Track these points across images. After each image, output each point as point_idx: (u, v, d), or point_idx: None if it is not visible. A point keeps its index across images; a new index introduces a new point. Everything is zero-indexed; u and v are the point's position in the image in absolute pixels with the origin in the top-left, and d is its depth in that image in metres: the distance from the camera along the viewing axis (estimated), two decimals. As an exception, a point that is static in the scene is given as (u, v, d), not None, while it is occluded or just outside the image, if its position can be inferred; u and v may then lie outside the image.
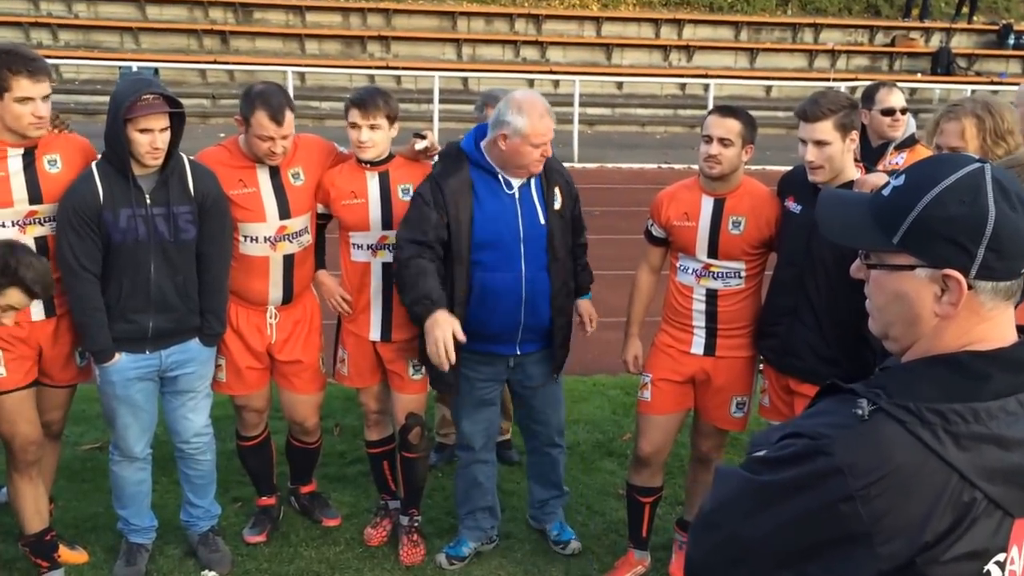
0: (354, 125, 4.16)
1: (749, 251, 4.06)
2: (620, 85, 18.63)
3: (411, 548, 4.54)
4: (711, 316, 4.14)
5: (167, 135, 3.84)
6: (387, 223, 4.24)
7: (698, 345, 4.18)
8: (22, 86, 3.74)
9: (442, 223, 3.99)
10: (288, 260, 4.27)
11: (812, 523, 1.44)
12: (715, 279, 4.10)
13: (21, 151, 3.89)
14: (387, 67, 17.13)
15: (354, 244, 4.30)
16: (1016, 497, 1.45)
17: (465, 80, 17.25)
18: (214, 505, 4.49)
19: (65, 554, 4.31)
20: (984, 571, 1.44)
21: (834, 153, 3.71)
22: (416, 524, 4.62)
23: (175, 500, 4.53)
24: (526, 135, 3.92)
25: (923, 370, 1.51)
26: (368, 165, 4.23)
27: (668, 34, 19.92)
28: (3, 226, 3.85)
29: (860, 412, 1.44)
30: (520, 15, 19.30)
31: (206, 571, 4.33)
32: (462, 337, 3.83)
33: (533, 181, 4.11)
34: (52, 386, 4.14)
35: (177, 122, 3.89)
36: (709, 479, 4.36)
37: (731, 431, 4.39)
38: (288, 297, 4.34)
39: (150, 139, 3.78)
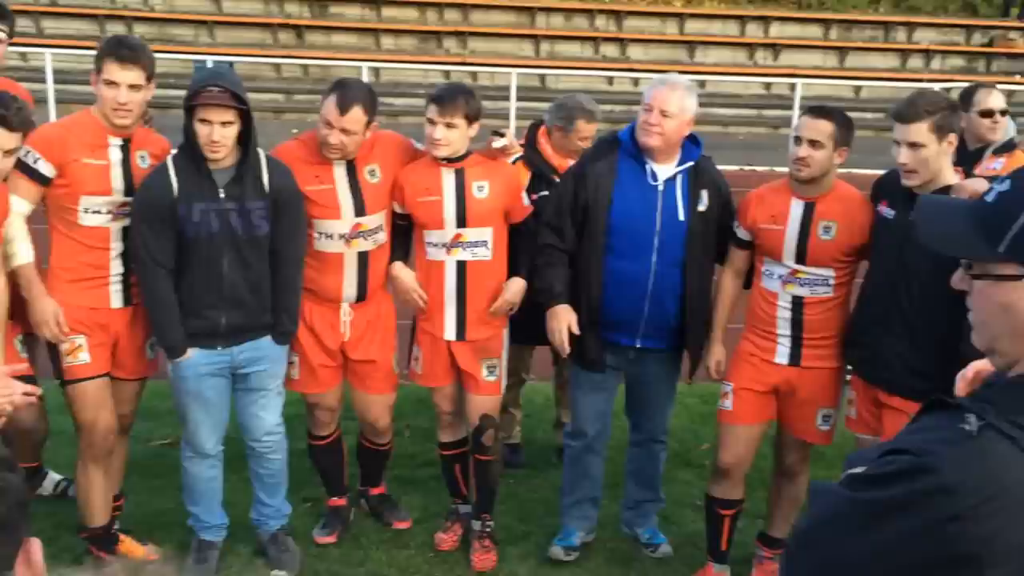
0: (431, 121, 4.10)
1: (840, 258, 3.89)
2: (702, 84, 18.24)
3: (483, 554, 4.45)
4: (796, 324, 3.98)
5: (230, 130, 3.79)
6: (461, 221, 4.16)
7: (782, 354, 4.03)
8: (110, 69, 3.80)
9: (579, 205, 4.07)
10: (363, 257, 4.23)
11: (916, 544, 1.34)
12: (802, 286, 3.94)
13: (120, 142, 3.95)
14: (463, 63, 17.07)
15: (428, 242, 4.24)
16: None
17: (543, 77, 17.10)
18: (285, 504, 4.44)
19: (135, 549, 4.32)
20: None
21: (929, 156, 3.54)
22: (488, 529, 4.53)
23: (245, 498, 4.49)
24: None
25: None
26: (444, 162, 4.15)
27: (754, 32, 19.51)
28: (98, 212, 3.92)
29: (968, 428, 1.35)
30: (601, 11, 19.08)
31: (275, 571, 4.29)
32: (576, 330, 4.09)
33: (680, 178, 4.06)
34: (125, 379, 4.16)
35: (247, 119, 3.85)
36: (793, 492, 4.22)
37: (816, 444, 4.22)
38: (362, 294, 4.29)
39: (208, 131, 3.75)
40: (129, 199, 3.95)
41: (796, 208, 3.92)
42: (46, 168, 3.83)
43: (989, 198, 1.49)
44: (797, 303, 3.96)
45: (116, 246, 3.99)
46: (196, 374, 4.02)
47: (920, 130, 3.53)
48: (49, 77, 12.99)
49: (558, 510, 4.63)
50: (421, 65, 16.90)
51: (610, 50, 18.70)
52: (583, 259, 4.12)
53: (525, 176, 4.77)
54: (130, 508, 4.60)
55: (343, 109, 3.97)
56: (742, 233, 4.10)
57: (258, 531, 4.43)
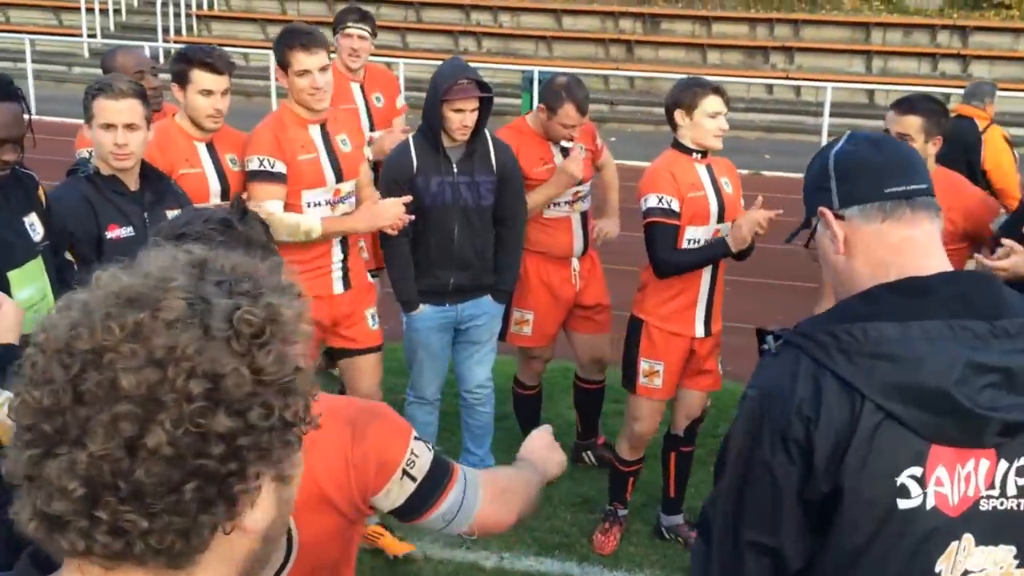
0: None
1: None
2: (1049, 103, 16.64)
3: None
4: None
5: (475, 115, 4.26)
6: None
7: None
8: (299, 59, 4.03)
9: None
10: (583, 216, 4.88)
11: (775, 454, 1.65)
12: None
13: (319, 129, 4.20)
14: (787, 77, 16.77)
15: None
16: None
17: (871, 93, 16.39)
18: (489, 456, 4.79)
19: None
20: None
21: None
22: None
23: (452, 448, 4.86)
24: None
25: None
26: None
27: None
28: (319, 205, 4.20)
29: (767, 347, 1.69)
30: (944, 27, 17.94)
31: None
32: None
33: None
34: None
35: (485, 104, 4.29)
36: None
37: None
38: (585, 248, 4.90)
39: (461, 118, 4.21)
40: (340, 186, 4.25)
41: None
42: (282, 167, 4.08)
43: None
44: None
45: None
46: (426, 327, 4.49)
47: None
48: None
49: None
50: (743, 79, 16.82)
51: (950, 67, 17.54)
52: None
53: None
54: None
55: (584, 112, 4.64)
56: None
57: (465, 478, 4.82)
